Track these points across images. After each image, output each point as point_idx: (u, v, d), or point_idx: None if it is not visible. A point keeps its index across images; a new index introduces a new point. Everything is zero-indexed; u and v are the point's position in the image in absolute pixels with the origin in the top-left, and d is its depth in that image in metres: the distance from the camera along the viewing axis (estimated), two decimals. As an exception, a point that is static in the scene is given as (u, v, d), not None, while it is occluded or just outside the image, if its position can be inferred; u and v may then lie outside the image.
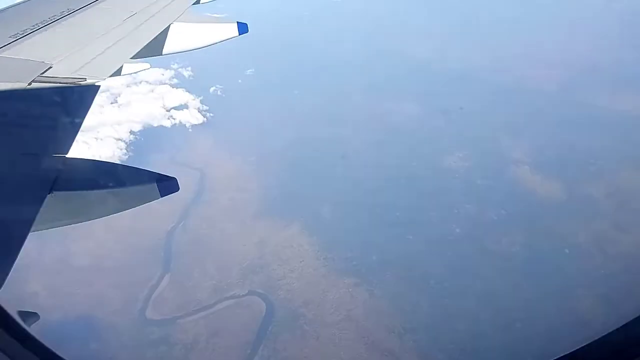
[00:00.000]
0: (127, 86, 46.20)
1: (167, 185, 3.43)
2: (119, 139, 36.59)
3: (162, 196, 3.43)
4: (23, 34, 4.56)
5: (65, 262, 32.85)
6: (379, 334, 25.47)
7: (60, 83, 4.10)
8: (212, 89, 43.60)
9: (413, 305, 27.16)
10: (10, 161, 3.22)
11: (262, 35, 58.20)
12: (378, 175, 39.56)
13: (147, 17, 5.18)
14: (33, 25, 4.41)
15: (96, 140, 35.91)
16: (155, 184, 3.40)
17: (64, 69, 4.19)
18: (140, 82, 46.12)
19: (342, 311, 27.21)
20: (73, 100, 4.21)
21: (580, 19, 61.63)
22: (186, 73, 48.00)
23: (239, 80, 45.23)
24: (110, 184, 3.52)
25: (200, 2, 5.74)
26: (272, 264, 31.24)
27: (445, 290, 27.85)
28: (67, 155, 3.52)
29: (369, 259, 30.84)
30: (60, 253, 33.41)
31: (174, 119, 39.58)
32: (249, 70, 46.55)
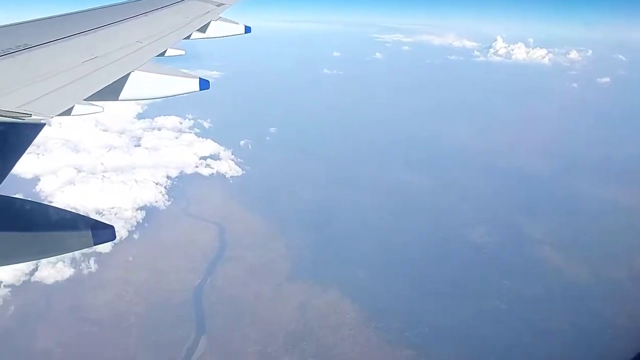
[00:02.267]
0: (145, 130, 44.48)
1: (102, 233, 3.13)
2: (158, 183, 34.34)
3: (95, 244, 3.14)
4: None
5: (81, 316, 28.94)
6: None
7: (0, 116, 3.75)
8: (242, 142, 42.78)
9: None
10: None
11: (273, 98, 59.30)
12: (405, 244, 39.33)
13: (108, 62, 5.10)
14: None
15: (136, 182, 33.47)
16: (90, 231, 3.08)
17: (9, 103, 3.84)
18: (161, 129, 44.63)
19: (408, 387, 25.42)
20: (11, 137, 3.84)
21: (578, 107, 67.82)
22: (206, 124, 47.10)
23: (267, 138, 44.92)
24: (36, 227, 3.13)
25: (165, 54, 5.96)
26: (319, 331, 29.13)
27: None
28: None
29: (421, 330, 29.60)
30: (72, 305, 29.53)
31: (212, 168, 38.03)
32: (272, 128, 46.43)
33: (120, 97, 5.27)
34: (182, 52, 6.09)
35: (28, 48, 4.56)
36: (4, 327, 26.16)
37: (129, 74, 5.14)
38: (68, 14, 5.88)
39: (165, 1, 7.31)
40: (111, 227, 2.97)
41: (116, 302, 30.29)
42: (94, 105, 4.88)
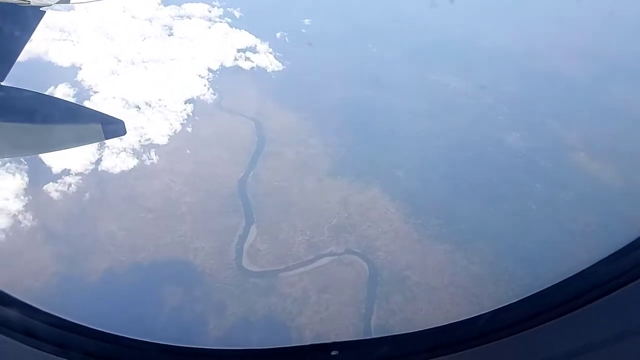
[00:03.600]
0: (174, 18, 42.51)
1: (112, 127, 3.14)
2: (201, 76, 33.79)
3: (106, 138, 3.18)
4: None
5: (135, 204, 30.54)
6: (490, 302, 26.05)
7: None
8: (278, 35, 41.04)
9: (512, 276, 27.95)
10: None
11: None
12: (441, 147, 39.60)
13: None
14: None
15: (179, 74, 32.93)
16: (100, 125, 3.09)
17: None
18: (191, 17, 42.59)
19: (445, 276, 27.51)
20: (14, 23, 3.63)
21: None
22: (237, 13, 44.76)
23: (303, 30, 42.92)
24: (50, 120, 3.13)
25: None
26: (361, 225, 30.77)
27: (540, 265, 28.80)
28: (2, 83, 3.09)
29: (458, 227, 31.15)
30: (126, 194, 30.95)
31: (252, 61, 37.03)
32: (306, 20, 44.17)
33: None
34: None
35: None
36: (75, 212, 27.85)
37: None
38: None
39: None
40: (121, 122, 3.07)
41: (167, 192, 31.71)
42: None
